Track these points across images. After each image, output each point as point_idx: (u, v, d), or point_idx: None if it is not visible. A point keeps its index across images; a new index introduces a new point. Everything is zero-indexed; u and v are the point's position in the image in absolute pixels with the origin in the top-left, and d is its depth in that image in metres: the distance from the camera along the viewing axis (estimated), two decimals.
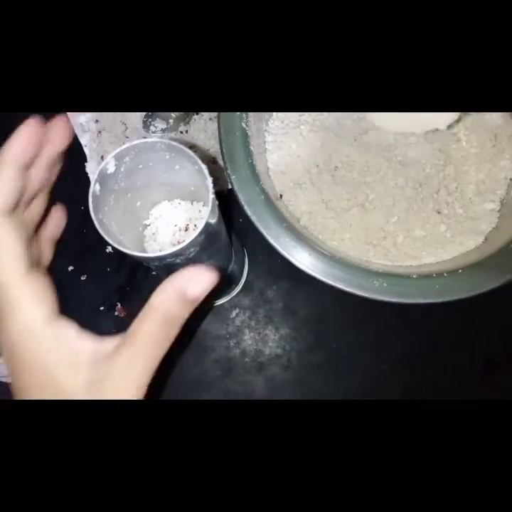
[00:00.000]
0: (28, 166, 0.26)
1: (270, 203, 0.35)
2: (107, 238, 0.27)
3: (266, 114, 0.41)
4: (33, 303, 0.25)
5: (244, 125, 0.36)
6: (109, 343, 0.25)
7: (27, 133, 0.26)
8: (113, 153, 0.28)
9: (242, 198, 0.35)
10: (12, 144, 0.25)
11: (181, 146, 0.28)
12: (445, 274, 0.35)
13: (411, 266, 0.38)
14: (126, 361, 0.25)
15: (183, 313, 0.25)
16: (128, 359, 0.25)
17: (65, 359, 0.25)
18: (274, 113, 0.42)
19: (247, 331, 0.47)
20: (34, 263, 0.26)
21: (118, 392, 0.24)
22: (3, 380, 0.43)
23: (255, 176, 0.36)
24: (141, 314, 0.25)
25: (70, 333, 0.25)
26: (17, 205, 0.26)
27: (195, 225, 0.34)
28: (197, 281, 0.24)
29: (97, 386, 0.24)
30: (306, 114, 0.42)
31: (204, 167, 0.28)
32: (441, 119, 0.38)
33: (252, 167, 0.36)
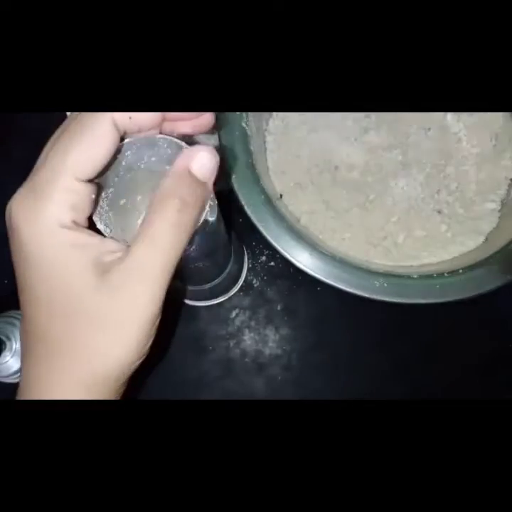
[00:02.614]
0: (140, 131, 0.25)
1: (270, 203, 0.35)
2: (103, 231, 0.27)
3: (266, 114, 0.41)
4: (63, 206, 0.23)
5: (244, 125, 0.36)
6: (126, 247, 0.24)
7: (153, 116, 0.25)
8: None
9: (242, 198, 0.35)
10: (161, 116, 0.25)
11: (182, 144, 0.28)
12: (446, 274, 0.35)
13: (412, 266, 0.38)
14: (141, 260, 0.23)
15: (198, 195, 0.24)
16: (142, 257, 0.23)
17: (83, 266, 0.23)
18: (274, 112, 0.42)
19: (247, 331, 0.47)
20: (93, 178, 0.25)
21: (135, 300, 0.23)
22: (4, 380, 0.43)
23: (255, 176, 0.36)
24: (152, 205, 0.24)
25: (90, 242, 0.24)
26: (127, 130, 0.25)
27: None
28: (198, 156, 0.24)
29: (114, 292, 0.23)
30: (306, 113, 0.42)
31: None
32: None
33: (252, 167, 0.36)
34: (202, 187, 0.24)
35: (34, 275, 0.23)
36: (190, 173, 0.24)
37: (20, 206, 0.23)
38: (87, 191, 0.24)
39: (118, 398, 0.26)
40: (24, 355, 0.24)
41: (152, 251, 0.23)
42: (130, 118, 0.24)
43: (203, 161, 0.24)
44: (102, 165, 0.24)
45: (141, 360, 0.24)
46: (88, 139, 0.23)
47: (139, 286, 0.23)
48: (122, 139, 0.27)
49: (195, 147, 0.24)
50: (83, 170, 0.23)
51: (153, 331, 0.24)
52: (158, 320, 0.24)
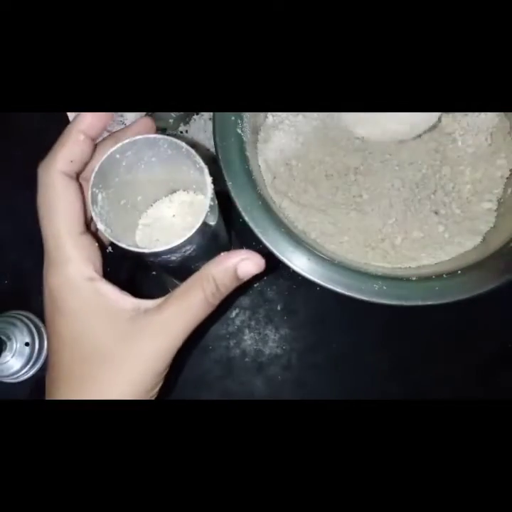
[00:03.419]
0: (93, 139, 0.28)
1: (268, 209, 0.35)
2: (104, 231, 0.27)
3: (260, 119, 0.41)
4: (80, 261, 0.27)
5: (239, 131, 0.36)
6: (150, 302, 0.28)
7: (100, 115, 0.28)
8: (114, 147, 0.28)
9: (239, 205, 0.35)
10: (85, 115, 0.27)
11: (183, 144, 0.28)
12: (444, 276, 0.35)
13: (410, 267, 0.38)
14: (168, 317, 0.27)
15: (230, 288, 0.28)
16: (170, 316, 0.27)
17: (104, 312, 0.27)
18: (269, 118, 0.41)
19: (247, 331, 0.47)
20: (86, 226, 0.28)
21: (152, 348, 0.26)
22: (4, 380, 0.43)
23: (252, 182, 0.35)
24: (192, 279, 0.27)
25: (111, 291, 0.27)
26: (80, 170, 0.28)
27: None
28: (250, 262, 0.27)
29: (133, 338, 0.26)
30: (300, 119, 0.41)
31: (205, 167, 0.28)
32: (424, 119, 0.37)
33: (249, 173, 0.35)
34: (238, 282, 0.28)
35: (61, 323, 0.27)
36: (235, 271, 0.27)
37: (50, 274, 0.27)
38: (90, 240, 0.28)
39: None
40: (47, 396, 0.28)
41: (183, 316, 0.27)
42: (71, 161, 0.27)
43: (250, 269, 0.27)
44: (81, 208, 0.28)
45: (149, 399, 0.28)
46: (58, 202, 0.27)
47: (163, 341, 0.27)
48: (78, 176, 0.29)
49: (250, 253, 0.28)
50: (75, 222, 0.27)
51: (163, 376, 0.28)
52: (168, 369, 0.28)
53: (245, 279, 0.28)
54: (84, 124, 0.27)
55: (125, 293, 0.28)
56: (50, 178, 0.27)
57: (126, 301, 0.27)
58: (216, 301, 0.28)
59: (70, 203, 0.27)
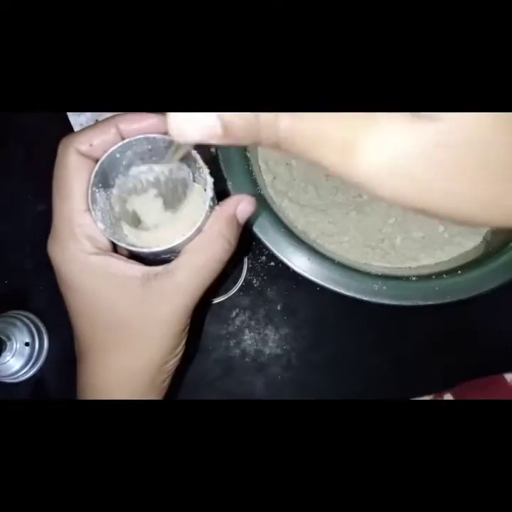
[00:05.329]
0: (124, 136, 0.28)
1: (268, 209, 0.35)
2: (103, 231, 0.27)
3: None
4: (82, 237, 0.27)
5: None
6: (158, 267, 0.28)
7: (148, 117, 0.28)
8: (114, 147, 0.28)
9: None
10: (133, 118, 0.28)
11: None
12: (444, 276, 0.35)
13: (410, 267, 0.38)
14: (181, 278, 0.27)
15: (238, 235, 0.29)
16: (183, 276, 0.27)
17: (114, 283, 0.27)
18: None
19: (247, 331, 0.47)
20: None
21: (168, 309, 0.27)
22: (4, 380, 0.43)
23: (252, 182, 0.36)
24: (200, 239, 0.28)
25: (117, 262, 0.27)
26: (100, 157, 0.28)
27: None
28: (242, 206, 0.28)
29: (149, 303, 0.27)
30: None
31: (205, 166, 0.28)
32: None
33: (249, 173, 0.36)
34: (240, 228, 0.29)
35: (73, 299, 0.28)
36: (235, 217, 0.28)
37: (53, 250, 0.28)
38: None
39: (160, 396, 0.30)
40: (79, 365, 0.29)
41: (196, 275, 0.27)
42: (91, 145, 0.27)
43: (246, 209, 0.29)
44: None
45: (176, 359, 0.29)
46: (67, 179, 0.27)
47: (179, 302, 0.27)
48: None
49: (240, 196, 0.29)
50: (82, 200, 0.27)
51: (184, 335, 0.29)
52: (188, 326, 0.29)
53: (245, 220, 0.29)
54: (125, 123, 0.28)
55: (133, 261, 0.28)
56: (63, 154, 0.27)
57: (134, 269, 0.28)
58: (228, 255, 0.28)
59: (79, 182, 0.27)
